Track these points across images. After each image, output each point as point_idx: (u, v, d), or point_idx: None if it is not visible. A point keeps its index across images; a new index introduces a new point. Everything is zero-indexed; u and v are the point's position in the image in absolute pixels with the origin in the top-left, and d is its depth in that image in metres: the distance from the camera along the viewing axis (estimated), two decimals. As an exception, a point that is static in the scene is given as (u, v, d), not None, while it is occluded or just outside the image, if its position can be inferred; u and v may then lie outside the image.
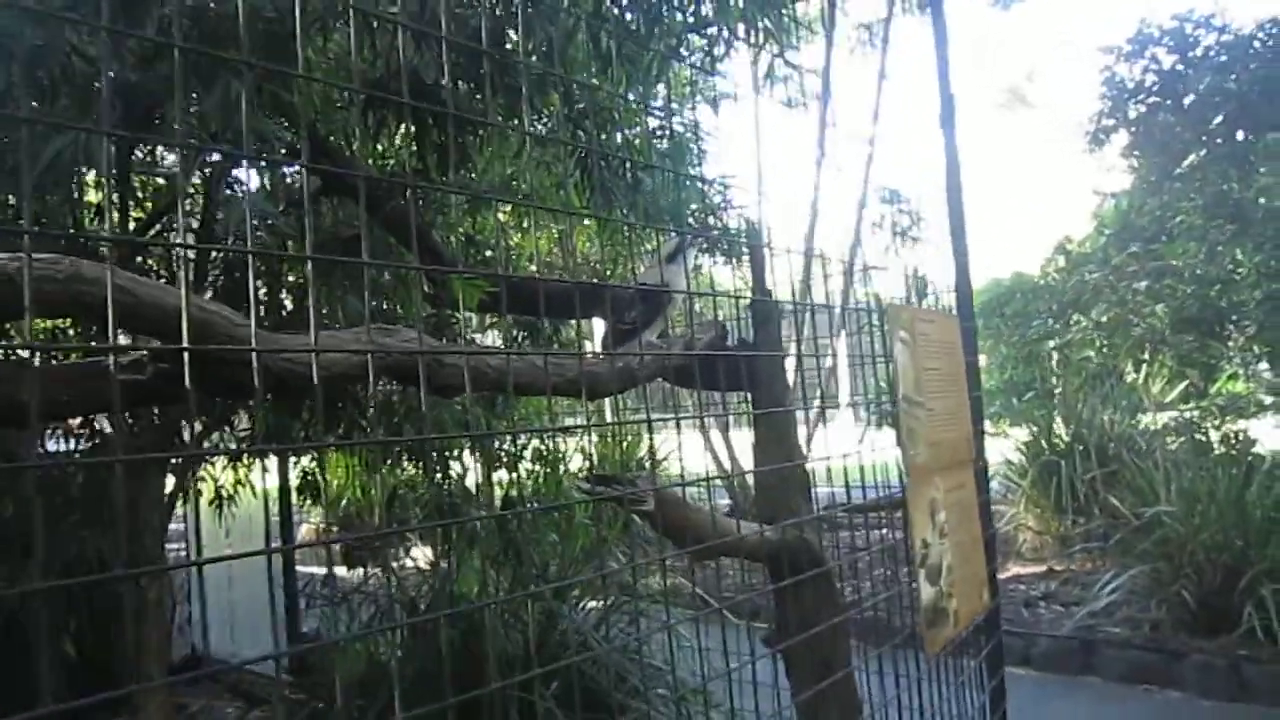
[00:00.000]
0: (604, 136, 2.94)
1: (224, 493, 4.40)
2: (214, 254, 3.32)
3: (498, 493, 3.65)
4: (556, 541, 3.47)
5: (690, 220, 3.57)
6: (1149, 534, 6.35)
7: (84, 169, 2.81)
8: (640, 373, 2.56)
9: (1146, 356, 8.03)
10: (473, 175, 3.43)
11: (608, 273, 3.82)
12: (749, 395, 3.50)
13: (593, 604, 3.74)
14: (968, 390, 2.75)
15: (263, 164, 3.58)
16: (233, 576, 6.52)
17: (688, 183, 3.05)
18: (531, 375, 2.25)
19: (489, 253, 3.62)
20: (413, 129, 2.98)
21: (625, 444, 8.81)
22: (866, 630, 2.41)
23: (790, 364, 3.87)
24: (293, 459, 4.85)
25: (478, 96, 2.93)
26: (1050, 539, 8.21)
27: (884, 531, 2.69)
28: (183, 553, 6.22)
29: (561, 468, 3.87)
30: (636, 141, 2.94)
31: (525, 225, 3.70)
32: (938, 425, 2.44)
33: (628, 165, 2.74)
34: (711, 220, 3.52)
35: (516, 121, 2.73)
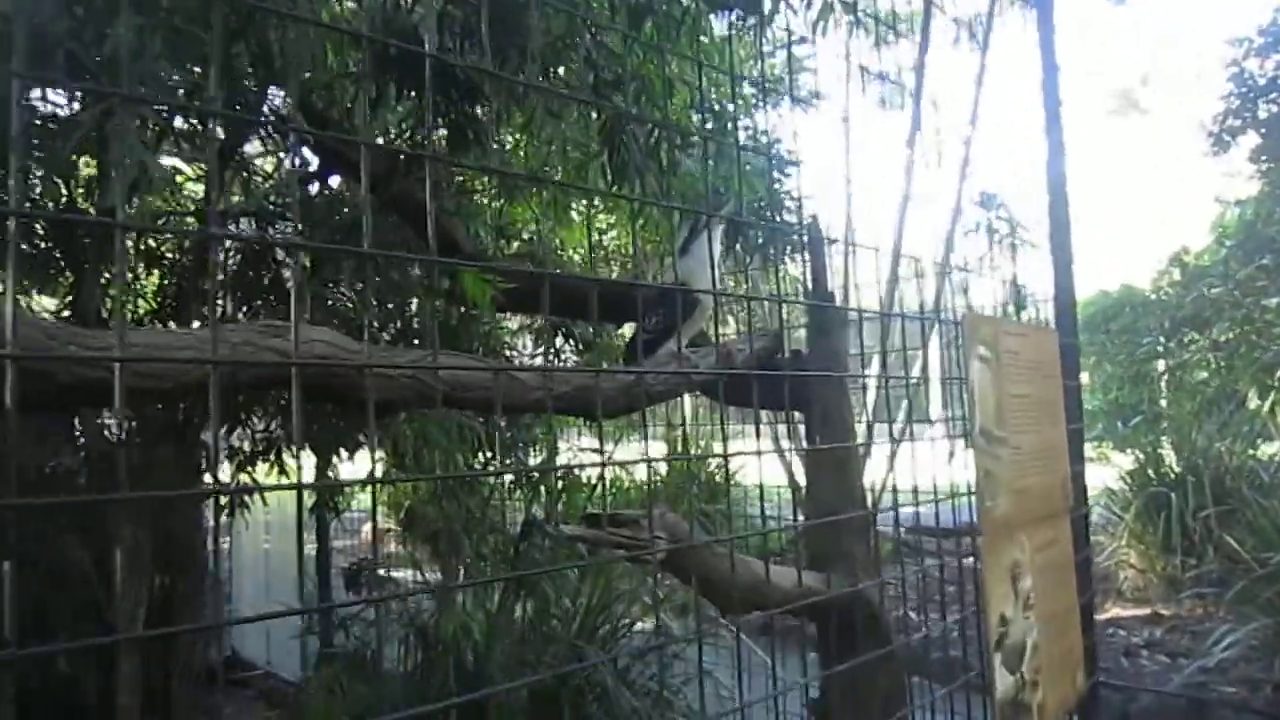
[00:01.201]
0: (634, 110, 2.51)
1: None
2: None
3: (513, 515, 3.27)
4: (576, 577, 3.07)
5: (749, 212, 3.11)
6: (1273, 583, 5.61)
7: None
8: (656, 388, 2.13)
9: (1276, 382, 7.18)
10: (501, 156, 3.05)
11: (641, 271, 3.40)
12: (804, 417, 3.04)
13: (625, 636, 3.33)
14: (1066, 421, 2.23)
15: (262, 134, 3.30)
16: (270, 580, 6.33)
17: (745, 165, 2.60)
18: (518, 392, 1.85)
19: (516, 244, 3.24)
20: (418, 99, 2.61)
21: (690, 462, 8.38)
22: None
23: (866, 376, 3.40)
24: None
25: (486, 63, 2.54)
26: (1155, 579, 7.43)
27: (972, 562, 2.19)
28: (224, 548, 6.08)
29: (588, 488, 3.45)
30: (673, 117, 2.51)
31: (559, 215, 3.31)
32: (1025, 467, 1.95)
33: (659, 138, 2.31)
34: (772, 213, 3.05)
35: (526, 90, 2.33)
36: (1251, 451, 7.73)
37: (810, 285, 3.18)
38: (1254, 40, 8.39)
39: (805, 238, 3.05)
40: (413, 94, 2.67)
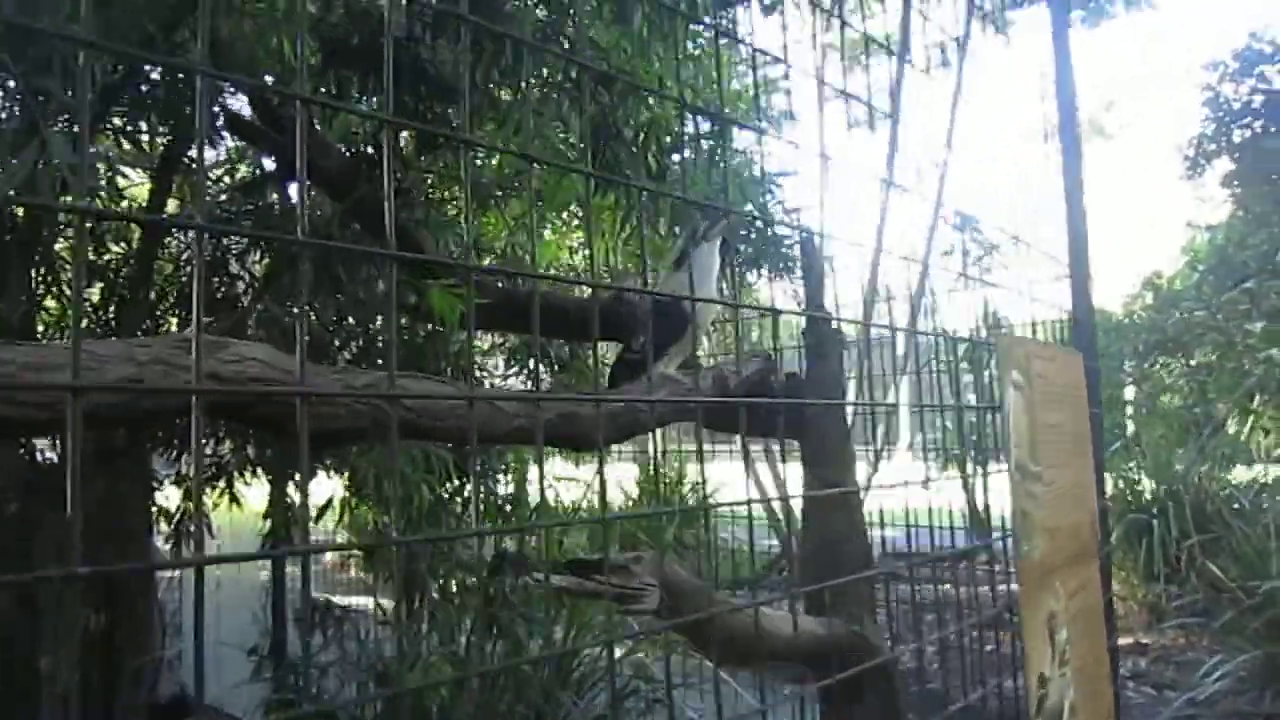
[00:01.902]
0: (620, 112, 2.30)
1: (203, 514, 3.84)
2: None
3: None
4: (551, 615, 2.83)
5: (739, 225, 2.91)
6: (1259, 613, 5.48)
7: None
8: (645, 416, 1.91)
9: (1256, 405, 7.11)
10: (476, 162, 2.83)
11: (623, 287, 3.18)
12: (800, 446, 2.84)
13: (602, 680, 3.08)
14: (1093, 452, 2.04)
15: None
16: (221, 612, 6.01)
17: (738, 175, 2.40)
18: (497, 421, 1.62)
19: (489, 258, 3.01)
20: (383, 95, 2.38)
21: (666, 482, 8.15)
22: None
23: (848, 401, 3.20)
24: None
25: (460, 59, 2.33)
26: (1137, 607, 7.29)
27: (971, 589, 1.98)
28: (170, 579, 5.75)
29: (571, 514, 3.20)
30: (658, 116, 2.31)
31: (535, 227, 3.09)
32: (1058, 505, 1.75)
33: (643, 139, 2.11)
34: (762, 225, 2.85)
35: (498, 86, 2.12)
36: (1228, 476, 7.65)
37: (805, 303, 2.99)
38: (1229, 65, 8.41)
39: (800, 252, 2.86)
40: (379, 91, 2.44)
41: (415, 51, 2.30)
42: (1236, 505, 7.18)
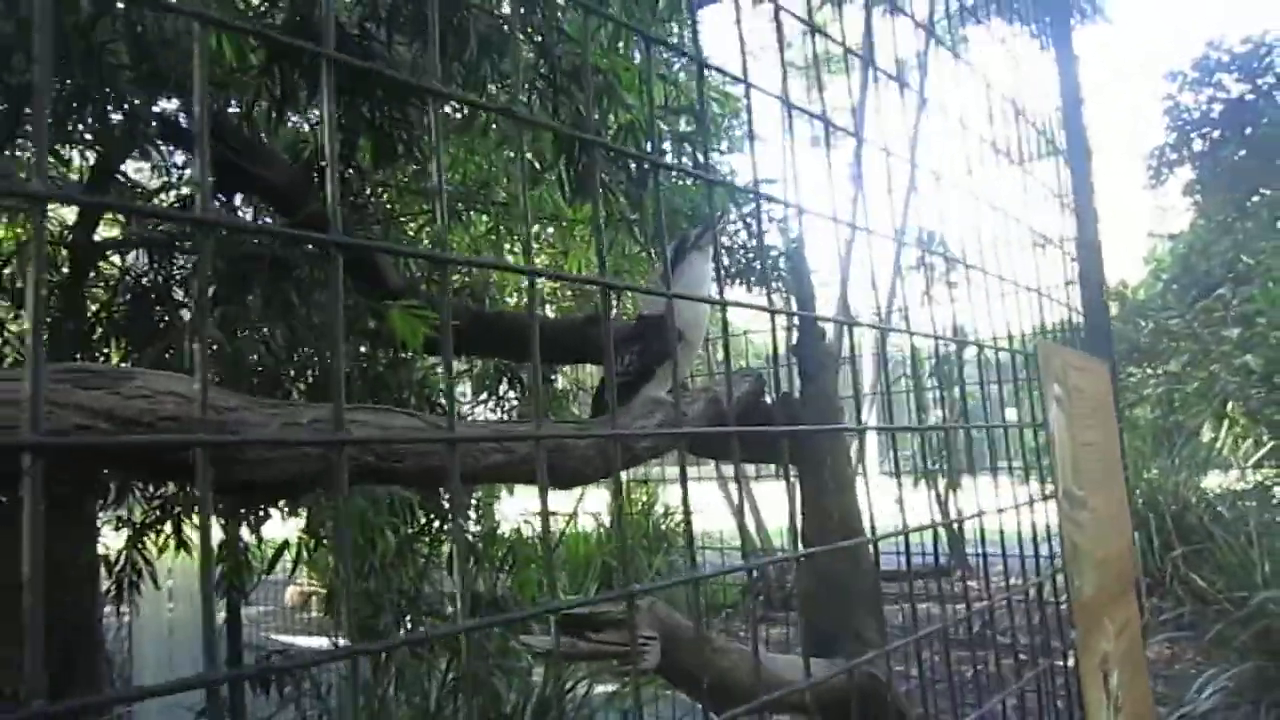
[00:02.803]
0: (596, 111, 2.11)
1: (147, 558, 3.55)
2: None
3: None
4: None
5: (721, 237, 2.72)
6: (1248, 625, 5.39)
7: None
8: (640, 444, 1.71)
9: (1230, 411, 7.07)
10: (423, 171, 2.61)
11: (614, 301, 2.98)
12: (797, 471, 2.65)
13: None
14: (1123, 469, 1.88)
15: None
16: (174, 653, 5.68)
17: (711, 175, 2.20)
18: (471, 458, 1.41)
19: (457, 278, 2.79)
20: (337, 98, 2.16)
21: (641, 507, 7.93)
22: None
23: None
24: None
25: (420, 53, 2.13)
26: (1120, 621, 7.18)
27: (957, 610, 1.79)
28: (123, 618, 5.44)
29: (539, 560, 2.98)
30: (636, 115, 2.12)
31: (508, 244, 2.88)
32: (1102, 533, 1.57)
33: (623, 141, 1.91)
34: (745, 237, 2.67)
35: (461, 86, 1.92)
36: (1204, 484, 7.61)
37: (795, 318, 2.81)
38: (1188, 74, 8.46)
39: (789, 261, 2.69)
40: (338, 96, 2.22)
41: (369, 48, 2.09)
42: (1215, 515, 7.12)
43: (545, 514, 0.71)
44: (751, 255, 2.57)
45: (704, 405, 1.98)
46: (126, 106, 2.12)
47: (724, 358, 0.93)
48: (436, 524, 2.53)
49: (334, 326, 0.52)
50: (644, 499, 7.98)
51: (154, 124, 2.25)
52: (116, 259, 2.94)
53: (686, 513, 0.92)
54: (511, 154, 2.24)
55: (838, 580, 2.30)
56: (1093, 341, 2.19)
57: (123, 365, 2.95)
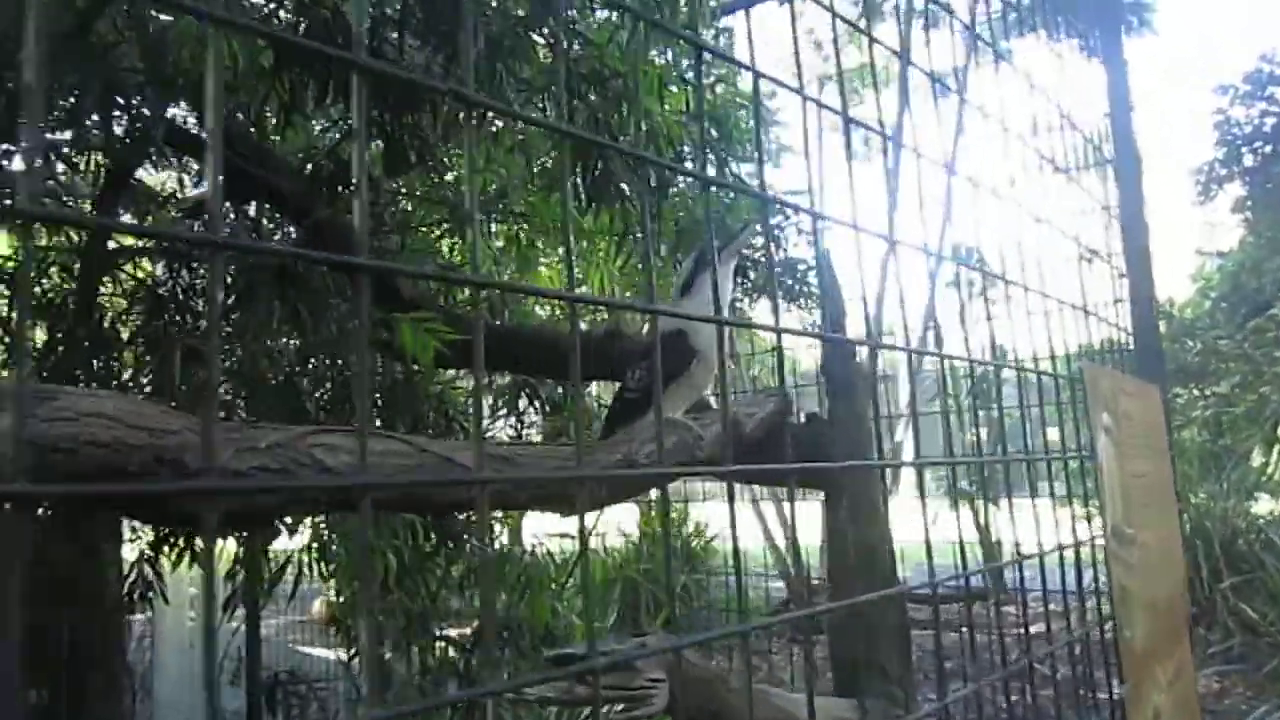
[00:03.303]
0: (614, 116, 2.01)
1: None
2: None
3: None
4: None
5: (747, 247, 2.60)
6: (1305, 659, 5.15)
7: None
8: (652, 469, 1.60)
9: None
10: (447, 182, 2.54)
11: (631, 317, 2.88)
12: (824, 497, 2.53)
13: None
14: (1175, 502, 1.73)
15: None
16: (195, 664, 5.64)
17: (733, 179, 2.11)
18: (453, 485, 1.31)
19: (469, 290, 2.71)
20: (345, 103, 2.09)
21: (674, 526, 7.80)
22: None
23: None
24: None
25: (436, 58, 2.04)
26: (1166, 652, 6.91)
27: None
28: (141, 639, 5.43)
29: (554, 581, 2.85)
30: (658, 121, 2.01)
31: (523, 254, 2.78)
32: (1153, 573, 1.43)
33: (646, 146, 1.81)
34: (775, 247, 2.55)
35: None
36: (1251, 509, 7.32)
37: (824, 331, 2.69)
38: (1239, 88, 8.20)
39: (818, 276, 2.57)
40: (341, 98, 2.15)
41: (380, 51, 2.02)
42: (1265, 541, 6.83)
43: (584, 558, 0.62)
44: (780, 269, 2.45)
45: (719, 426, 1.87)
46: (134, 112, 2.06)
47: (728, 377, 0.82)
48: (435, 538, 2.44)
49: (360, 350, 0.42)
50: (674, 516, 7.85)
51: (161, 130, 2.19)
52: (132, 264, 2.89)
53: (737, 560, 0.83)
54: (526, 159, 2.15)
55: (863, 613, 2.17)
56: (1143, 363, 2.05)
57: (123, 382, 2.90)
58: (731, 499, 0.81)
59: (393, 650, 2.37)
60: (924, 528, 0.97)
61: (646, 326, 2.28)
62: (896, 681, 2.20)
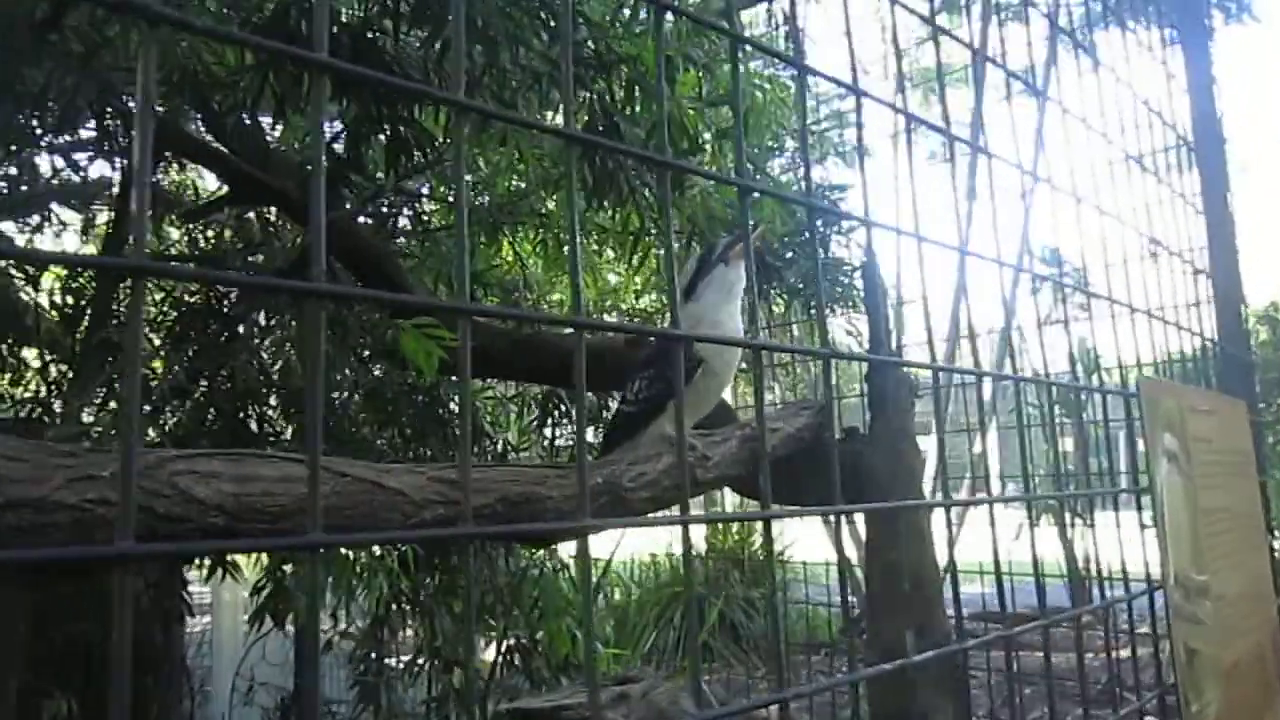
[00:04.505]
0: (626, 108, 1.84)
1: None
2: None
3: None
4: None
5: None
6: None
7: None
8: (638, 494, 1.41)
9: None
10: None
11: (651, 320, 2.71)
12: (865, 518, 2.31)
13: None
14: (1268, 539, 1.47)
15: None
16: (256, 671, 5.64)
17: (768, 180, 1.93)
18: (386, 511, 1.16)
19: (492, 298, 2.57)
20: (345, 100, 1.98)
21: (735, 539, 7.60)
22: None
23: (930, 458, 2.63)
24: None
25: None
26: None
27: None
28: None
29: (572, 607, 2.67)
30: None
31: (550, 257, 2.63)
32: (1232, 629, 1.19)
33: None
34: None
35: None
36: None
37: (868, 340, 2.49)
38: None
39: (863, 280, 2.37)
40: (342, 96, 2.03)
41: (375, 44, 1.89)
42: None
43: (586, 593, 0.49)
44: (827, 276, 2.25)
45: (737, 445, 1.68)
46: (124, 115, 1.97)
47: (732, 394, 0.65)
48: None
49: (314, 377, 0.29)
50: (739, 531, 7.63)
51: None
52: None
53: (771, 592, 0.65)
54: (526, 155, 2.00)
55: (907, 652, 1.94)
56: (1227, 375, 1.78)
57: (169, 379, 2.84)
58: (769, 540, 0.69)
59: (402, 679, 2.23)
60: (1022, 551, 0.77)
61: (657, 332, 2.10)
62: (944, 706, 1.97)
